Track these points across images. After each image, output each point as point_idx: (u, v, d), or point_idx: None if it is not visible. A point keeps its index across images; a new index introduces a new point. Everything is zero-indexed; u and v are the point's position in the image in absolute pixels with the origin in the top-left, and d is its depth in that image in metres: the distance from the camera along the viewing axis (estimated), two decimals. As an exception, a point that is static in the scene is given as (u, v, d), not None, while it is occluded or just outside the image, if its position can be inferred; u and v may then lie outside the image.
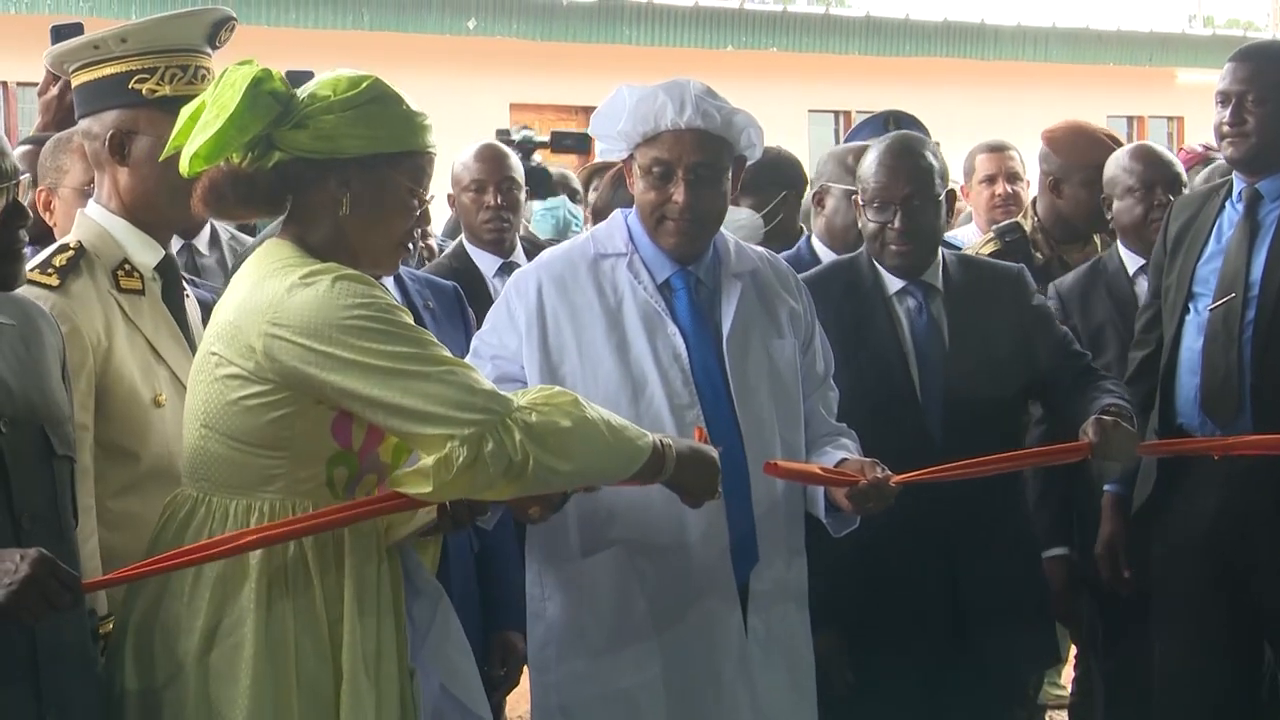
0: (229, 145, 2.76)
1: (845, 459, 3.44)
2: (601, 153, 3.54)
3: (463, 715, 3.03)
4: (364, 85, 2.83)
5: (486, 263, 5.08)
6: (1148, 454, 3.97)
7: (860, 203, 3.99)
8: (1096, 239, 5.11)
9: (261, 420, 2.77)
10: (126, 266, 3.14)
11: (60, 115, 4.19)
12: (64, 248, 3.12)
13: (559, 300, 3.42)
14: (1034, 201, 5.20)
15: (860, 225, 4.05)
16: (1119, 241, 4.73)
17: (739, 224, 5.11)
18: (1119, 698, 4.59)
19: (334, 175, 2.83)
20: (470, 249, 5.12)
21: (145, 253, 3.17)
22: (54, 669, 2.61)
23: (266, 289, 2.76)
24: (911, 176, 3.90)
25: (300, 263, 2.79)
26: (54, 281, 3.04)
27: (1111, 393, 3.88)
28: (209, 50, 3.23)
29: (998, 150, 6.03)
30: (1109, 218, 4.74)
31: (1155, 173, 4.66)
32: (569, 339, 3.40)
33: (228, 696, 2.72)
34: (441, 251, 5.40)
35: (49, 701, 2.60)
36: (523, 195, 5.31)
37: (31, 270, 2.98)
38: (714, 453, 3.08)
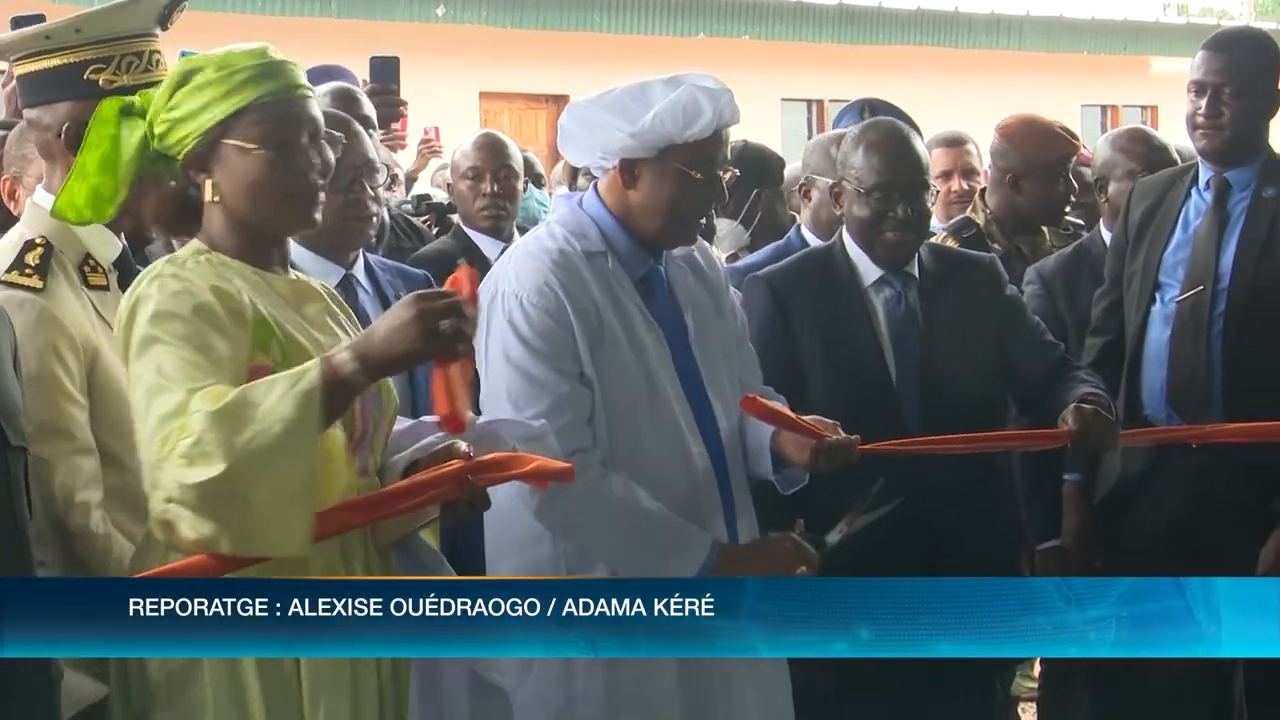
0: (119, 191, 2.78)
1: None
2: (606, 156, 3.40)
3: (470, 683, 2.94)
4: (173, 71, 2.77)
5: (487, 244, 5.11)
6: (1128, 443, 3.97)
7: (848, 191, 3.95)
8: (1046, 230, 5.11)
9: None
10: (91, 262, 3.09)
11: None
12: (31, 244, 3.04)
13: (573, 305, 3.34)
14: (982, 193, 5.19)
15: (841, 213, 4.03)
16: (1103, 224, 4.73)
17: (719, 236, 5.12)
18: (1102, 694, 4.58)
19: (189, 168, 2.77)
20: (469, 231, 5.16)
21: (105, 247, 3.12)
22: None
23: None
24: (913, 164, 3.91)
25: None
26: (37, 283, 2.98)
27: (1087, 382, 3.89)
28: (157, 33, 3.17)
29: (954, 145, 5.88)
30: (1102, 200, 4.74)
31: (1158, 156, 4.67)
32: (583, 346, 3.34)
33: None
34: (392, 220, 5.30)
35: None
36: (520, 184, 5.34)
37: (7, 272, 2.96)
38: (406, 312, 2.63)
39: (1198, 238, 4.15)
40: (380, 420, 2.85)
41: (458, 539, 3.80)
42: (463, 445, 2.79)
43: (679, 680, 3.33)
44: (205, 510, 2.52)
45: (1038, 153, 4.99)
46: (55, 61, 3.10)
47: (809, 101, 18.67)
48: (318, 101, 2.88)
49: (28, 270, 3.00)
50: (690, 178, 3.35)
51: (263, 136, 2.74)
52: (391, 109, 5.50)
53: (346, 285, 3.79)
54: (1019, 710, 5.71)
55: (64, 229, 3.05)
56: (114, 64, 3.09)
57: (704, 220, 3.48)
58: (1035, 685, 5.72)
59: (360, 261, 3.89)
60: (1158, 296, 4.18)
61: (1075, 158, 5.17)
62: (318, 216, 2.83)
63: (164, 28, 3.19)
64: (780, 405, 3.44)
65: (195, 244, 2.79)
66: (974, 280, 4.05)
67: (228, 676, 2.67)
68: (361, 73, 5.38)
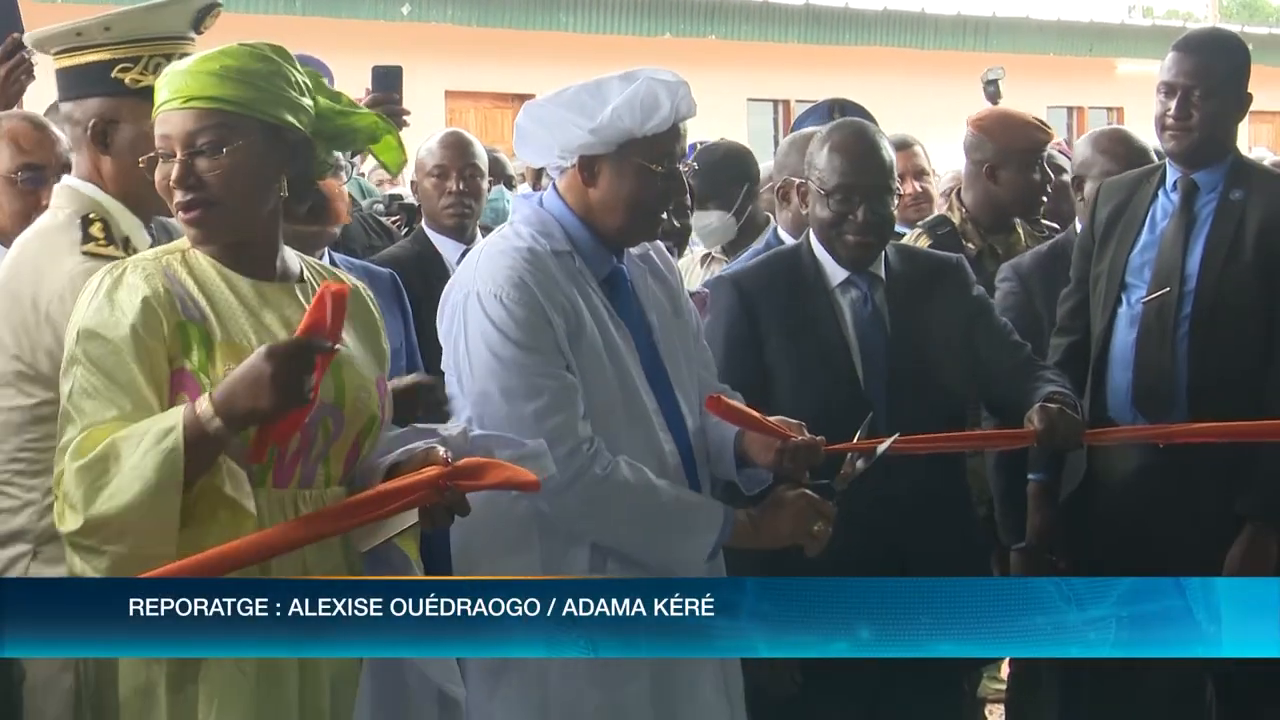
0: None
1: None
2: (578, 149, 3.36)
3: (439, 699, 2.94)
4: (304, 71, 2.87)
5: (449, 248, 5.07)
6: (1093, 442, 3.97)
7: (812, 190, 3.95)
8: (1020, 229, 5.12)
9: None
10: (130, 246, 3.10)
11: (8, 96, 4.14)
12: (88, 219, 3.06)
13: (549, 301, 3.31)
14: (957, 193, 5.17)
15: (806, 213, 4.03)
16: (1078, 222, 4.74)
17: (710, 228, 5.11)
18: (1070, 695, 4.58)
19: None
20: (431, 234, 5.13)
21: (137, 233, 3.14)
22: None
23: None
24: (876, 166, 3.90)
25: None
26: (116, 252, 3.00)
27: (1054, 381, 3.90)
28: (193, 37, 3.20)
29: (902, 148, 5.79)
30: (1079, 198, 4.75)
31: (1137, 157, 4.65)
32: (563, 340, 3.31)
33: None
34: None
35: None
36: (485, 183, 5.32)
37: (84, 244, 2.99)
38: (263, 366, 2.62)
39: (1164, 239, 4.15)
40: (339, 428, 2.82)
41: (430, 544, 3.79)
42: (442, 450, 2.78)
43: (650, 685, 3.32)
44: (76, 550, 2.62)
45: (1012, 140, 4.99)
46: (87, 58, 3.14)
47: (775, 102, 18.70)
48: None
49: (101, 242, 3.03)
50: (650, 171, 3.33)
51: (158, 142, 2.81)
52: (395, 119, 5.52)
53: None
54: (986, 711, 5.73)
55: (104, 209, 3.09)
56: (141, 64, 3.11)
57: (664, 216, 3.47)
58: (1002, 687, 5.74)
59: (325, 260, 3.89)
60: (1124, 298, 4.18)
61: (1052, 146, 5.18)
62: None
63: (198, 31, 3.22)
64: (743, 405, 3.44)
65: (182, 240, 2.81)
66: (941, 281, 4.05)
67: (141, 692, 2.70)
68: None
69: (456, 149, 5.19)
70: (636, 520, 3.26)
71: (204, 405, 2.59)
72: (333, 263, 3.94)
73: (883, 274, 3.99)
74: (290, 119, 2.80)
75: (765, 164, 5.63)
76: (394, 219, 5.72)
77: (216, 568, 2.58)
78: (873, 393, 3.88)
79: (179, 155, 2.74)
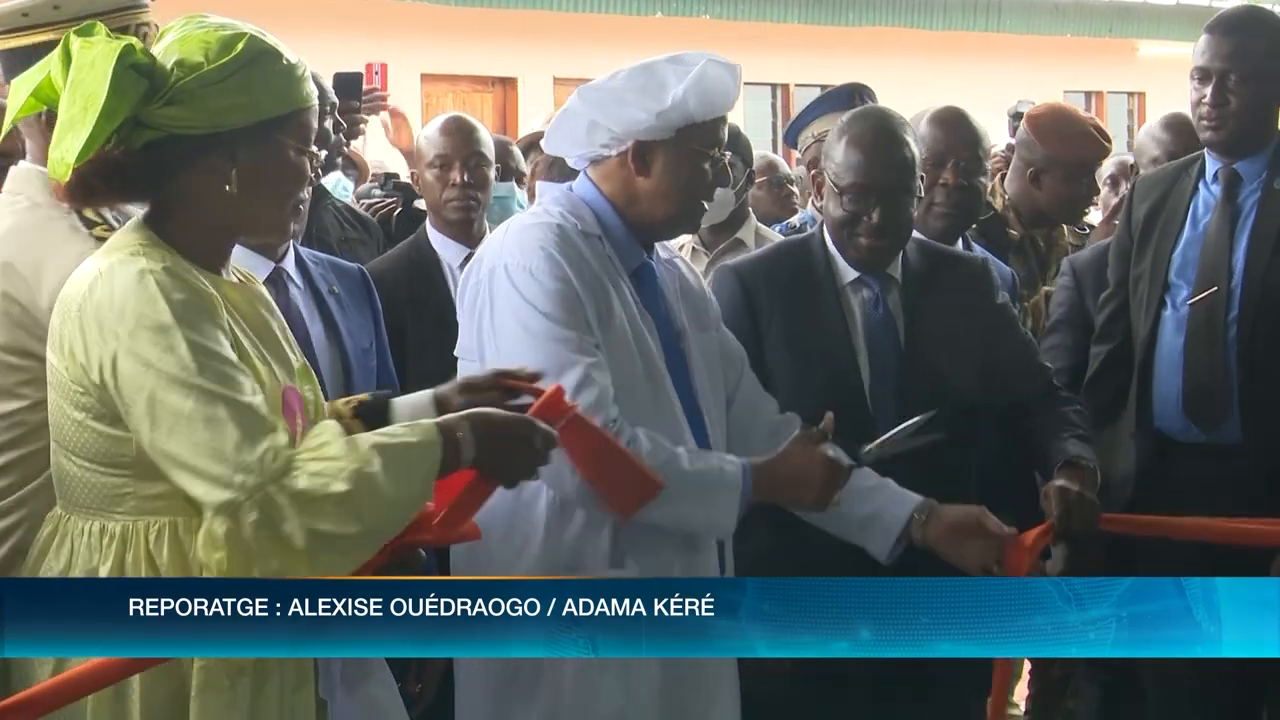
0: (101, 139, 2.66)
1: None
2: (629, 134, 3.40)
3: None
4: (240, 47, 2.73)
5: (451, 253, 4.88)
6: (1112, 530, 3.88)
7: (827, 184, 3.91)
8: (1064, 225, 5.15)
9: (93, 435, 2.70)
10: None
11: None
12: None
13: (580, 279, 3.35)
14: (1002, 178, 5.20)
15: (820, 206, 4.00)
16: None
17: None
18: (1118, 711, 4.59)
19: (217, 150, 2.73)
20: (433, 235, 4.94)
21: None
22: None
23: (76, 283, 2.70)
24: (895, 165, 3.84)
25: (123, 247, 2.72)
26: (104, 233, 3.02)
27: (1075, 427, 3.87)
28: (146, 3, 3.19)
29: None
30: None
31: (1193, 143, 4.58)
32: (592, 319, 3.36)
33: None
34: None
35: None
36: (493, 173, 5.13)
37: (91, 228, 3.00)
38: (531, 425, 2.89)
39: (1208, 235, 4.13)
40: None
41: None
42: None
43: (660, 690, 3.37)
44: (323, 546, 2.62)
45: (1063, 151, 5.00)
46: (35, 39, 3.15)
47: (773, 86, 18.70)
48: None
49: (104, 226, 3.07)
50: (706, 157, 3.42)
51: (306, 139, 2.82)
52: (354, 126, 5.55)
53: (276, 279, 3.79)
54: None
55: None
56: None
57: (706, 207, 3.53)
58: (1016, 711, 5.75)
59: (290, 254, 3.89)
60: (1168, 299, 4.16)
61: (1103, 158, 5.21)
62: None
63: None
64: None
65: (146, 235, 2.76)
66: (962, 283, 4.01)
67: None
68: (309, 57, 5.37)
69: (459, 135, 4.98)
70: (668, 494, 3.28)
71: (467, 440, 2.76)
72: (299, 258, 3.94)
73: (898, 274, 3.95)
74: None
75: (759, 152, 5.67)
76: (383, 204, 5.62)
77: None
78: (879, 400, 3.86)
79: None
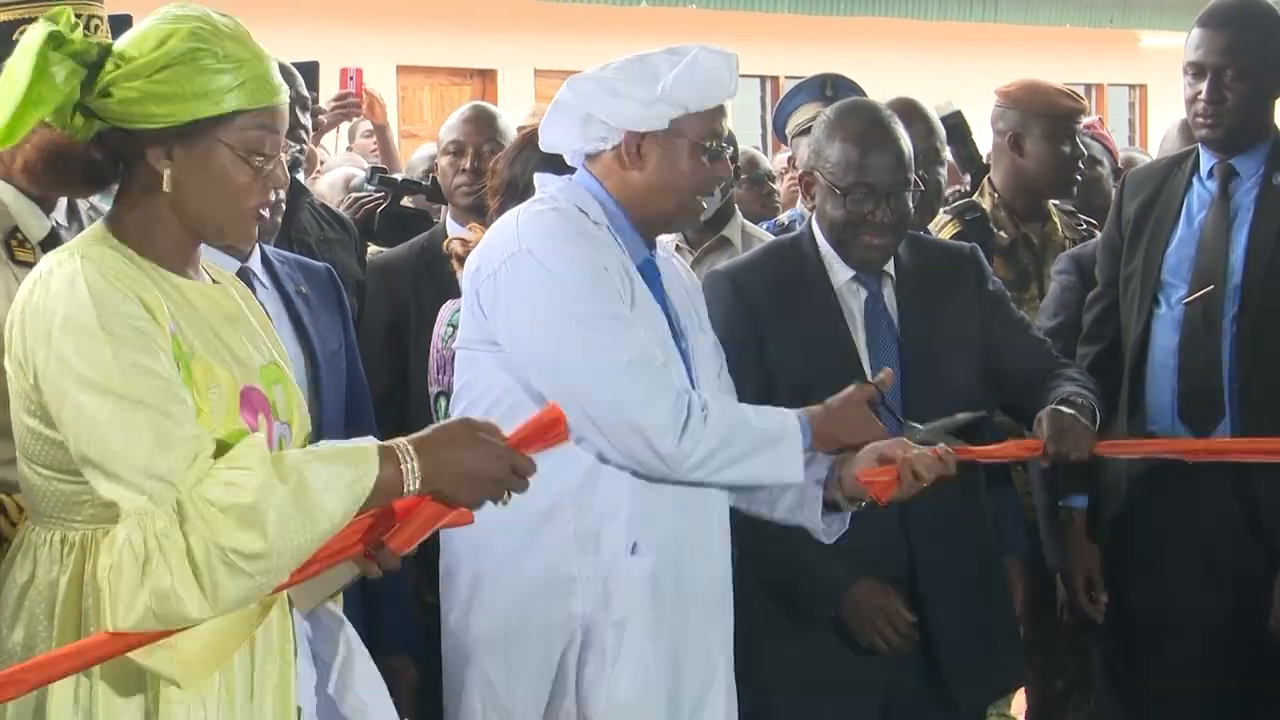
0: (27, 123, 2.65)
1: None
2: (626, 123, 3.42)
3: None
4: (172, 42, 2.69)
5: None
6: (1107, 454, 3.94)
7: (821, 185, 3.94)
8: (1056, 218, 5.12)
9: (44, 441, 2.69)
10: (19, 236, 3.09)
11: None
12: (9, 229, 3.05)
13: (598, 257, 3.38)
14: (988, 179, 5.19)
15: (813, 206, 4.02)
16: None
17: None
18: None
19: (151, 147, 2.72)
20: (451, 226, 4.94)
21: (34, 223, 3.13)
22: None
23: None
24: (895, 160, 3.88)
25: (71, 247, 2.72)
26: (28, 257, 2.98)
27: (1074, 380, 3.89)
28: None
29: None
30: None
31: None
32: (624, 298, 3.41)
33: None
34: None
35: None
36: None
37: (15, 255, 2.95)
38: (489, 453, 2.76)
39: (1204, 232, 4.13)
40: (286, 444, 2.82)
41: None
42: None
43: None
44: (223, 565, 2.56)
45: (1037, 106, 4.99)
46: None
47: (762, 78, 18.67)
48: None
49: (26, 249, 3.03)
50: (703, 150, 3.41)
51: (265, 146, 2.75)
52: (314, 118, 5.62)
53: (243, 278, 3.77)
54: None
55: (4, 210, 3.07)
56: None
57: (705, 204, 3.53)
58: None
59: (256, 254, 3.87)
60: (1161, 299, 4.16)
61: (1084, 124, 5.18)
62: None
63: None
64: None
65: (100, 232, 2.75)
66: (955, 274, 4.06)
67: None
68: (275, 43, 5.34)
69: (476, 123, 5.10)
70: (746, 451, 3.34)
71: (410, 468, 2.68)
72: (265, 258, 3.92)
73: (892, 270, 4.00)
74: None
75: (744, 147, 5.66)
76: (376, 196, 5.63)
77: None
78: (885, 401, 3.81)
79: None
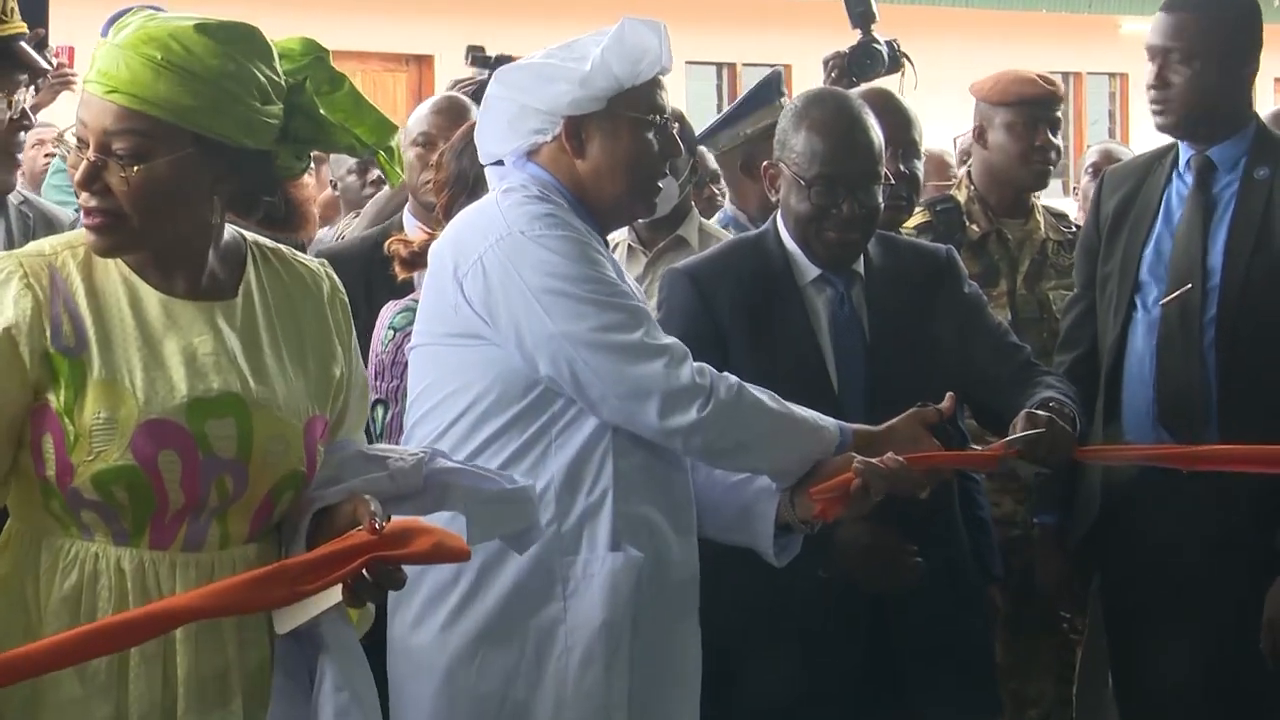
0: None
1: None
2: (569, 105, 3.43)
3: None
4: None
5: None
6: (1090, 460, 3.98)
7: (786, 177, 3.94)
8: (1040, 215, 5.11)
9: None
10: None
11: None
12: None
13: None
14: (966, 172, 5.22)
15: (777, 199, 4.01)
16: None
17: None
18: None
19: None
20: (408, 220, 4.94)
21: None
22: None
23: None
24: (863, 151, 3.89)
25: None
26: None
27: (1052, 387, 3.89)
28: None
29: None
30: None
31: None
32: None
33: None
34: None
35: None
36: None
37: None
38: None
39: (1180, 228, 4.15)
40: (240, 487, 2.74)
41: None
42: (373, 504, 2.69)
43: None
44: None
45: (999, 95, 5.01)
46: None
47: (719, 65, 18.74)
48: None
49: None
50: (645, 124, 3.44)
51: None
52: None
53: None
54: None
55: None
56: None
57: (659, 185, 3.55)
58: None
59: None
60: (1138, 300, 4.18)
61: (1058, 108, 5.20)
62: None
63: None
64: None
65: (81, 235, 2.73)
66: (926, 276, 4.06)
67: None
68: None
69: (448, 115, 5.04)
70: (770, 431, 3.44)
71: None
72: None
73: (862, 269, 4.00)
74: (240, 137, 2.72)
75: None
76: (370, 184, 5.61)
77: (76, 652, 2.52)
78: (849, 403, 3.88)
79: (89, 153, 2.66)
